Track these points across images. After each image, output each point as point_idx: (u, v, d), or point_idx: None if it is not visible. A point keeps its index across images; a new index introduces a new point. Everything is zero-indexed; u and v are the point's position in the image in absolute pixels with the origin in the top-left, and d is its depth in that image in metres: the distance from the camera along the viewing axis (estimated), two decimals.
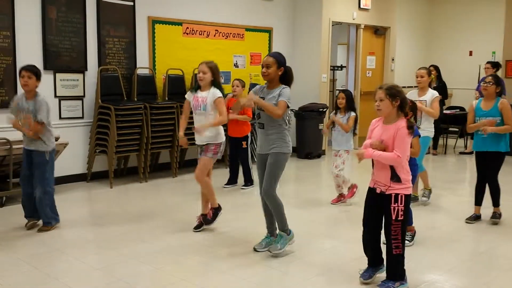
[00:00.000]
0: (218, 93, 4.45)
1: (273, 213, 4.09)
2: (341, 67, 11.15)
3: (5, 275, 3.65)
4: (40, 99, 4.49)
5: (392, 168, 3.39)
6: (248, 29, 8.17)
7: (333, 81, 10.96)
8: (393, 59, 10.02)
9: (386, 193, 3.40)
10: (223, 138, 4.60)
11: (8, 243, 4.31)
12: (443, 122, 9.60)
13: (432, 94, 5.48)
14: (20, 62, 5.74)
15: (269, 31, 8.49)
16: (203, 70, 4.44)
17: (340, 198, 5.68)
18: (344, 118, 5.51)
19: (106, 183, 6.36)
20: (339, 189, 5.67)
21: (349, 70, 9.72)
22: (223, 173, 6.73)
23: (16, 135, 4.88)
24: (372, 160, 3.51)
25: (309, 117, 8.28)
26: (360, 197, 5.61)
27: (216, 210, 4.68)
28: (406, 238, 4.10)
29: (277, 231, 4.17)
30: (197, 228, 4.65)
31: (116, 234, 4.60)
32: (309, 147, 8.42)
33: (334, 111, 5.70)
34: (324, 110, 8.49)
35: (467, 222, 5.00)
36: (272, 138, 3.97)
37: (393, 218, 3.38)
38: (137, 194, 6.13)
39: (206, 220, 4.63)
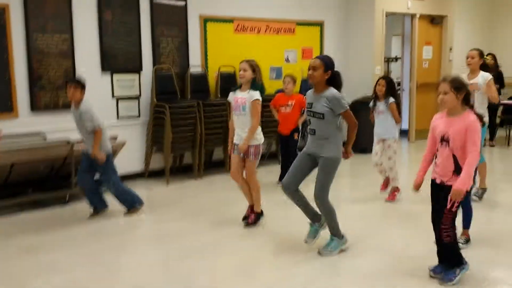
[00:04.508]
0: (256, 95, 4.43)
1: (325, 218, 4.01)
2: (396, 58, 10.84)
3: (68, 270, 3.80)
4: (82, 108, 4.72)
5: (455, 161, 3.29)
6: (299, 23, 8.09)
7: (387, 73, 10.69)
8: (451, 49, 9.63)
9: (446, 183, 3.32)
10: (262, 139, 4.58)
11: (70, 239, 4.50)
12: (507, 112, 9.16)
13: (484, 77, 5.07)
14: (79, 65, 5.99)
15: (320, 24, 8.38)
16: (244, 67, 4.44)
17: (388, 182, 5.59)
18: (382, 105, 5.38)
19: (163, 181, 6.50)
20: (384, 173, 5.58)
21: (405, 62, 9.44)
22: (275, 169, 6.71)
23: (77, 136, 5.07)
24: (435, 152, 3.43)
25: (363, 110, 8.09)
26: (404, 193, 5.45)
27: (259, 215, 4.68)
28: (460, 241, 3.97)
29: (322, 222, 4.09)
30: (246, 219, 4.69)
31: (174, 229, 4.69)
32: (363, 141, 8.23)
33: (372, 100, 5.53)
34: None
35: None
36: (324, 143, 3.86)
37: (448, 207, 3.30)
38: (192, 191, 6.22)
39: (247, 224, 4.64)
